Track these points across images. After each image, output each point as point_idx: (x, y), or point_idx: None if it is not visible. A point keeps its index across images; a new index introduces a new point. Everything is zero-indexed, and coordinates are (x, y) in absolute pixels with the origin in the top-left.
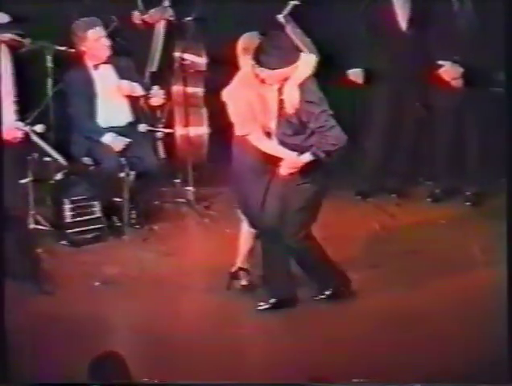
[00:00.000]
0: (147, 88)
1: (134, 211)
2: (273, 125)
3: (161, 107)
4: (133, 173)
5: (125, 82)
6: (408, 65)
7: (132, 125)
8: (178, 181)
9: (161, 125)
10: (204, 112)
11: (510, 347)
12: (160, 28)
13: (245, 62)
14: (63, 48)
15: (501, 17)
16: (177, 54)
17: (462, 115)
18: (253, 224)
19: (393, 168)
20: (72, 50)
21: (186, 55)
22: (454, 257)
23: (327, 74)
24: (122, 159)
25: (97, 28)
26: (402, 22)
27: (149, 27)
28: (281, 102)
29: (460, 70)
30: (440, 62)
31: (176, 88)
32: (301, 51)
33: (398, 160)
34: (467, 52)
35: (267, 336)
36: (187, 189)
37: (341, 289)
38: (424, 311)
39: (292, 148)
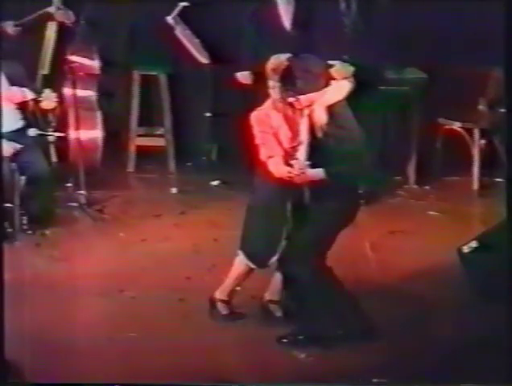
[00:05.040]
0: (38, 92)
1: (25, 217)
2: (300, 151)
3: (53, 110)
4: (23, 178)
5: (14, 88)
6: None
7: (22, 130)
8: (70, 185)
9: (52, 129)
10: (98, 115)
11: (510, 347)
12: (52, 30)
13: (273, 84)
14: None
15: (501, 17)
16: (69, 56)
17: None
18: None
19: None
20: None
21: (77, 58)
22: None
23: (218, 76)
24: (13, 164)
25: None
26: (287, 23)
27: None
28: (312, 127)
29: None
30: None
31: (69, 91)
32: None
33: None
34: (356, 51)
35: (164, 339)
36: (79, 193)
37: None
38: None
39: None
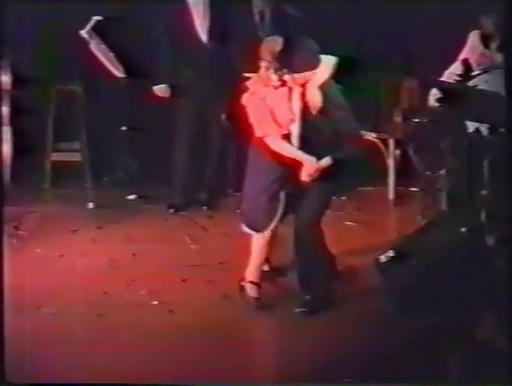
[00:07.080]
0: None
1: None
2: (295, 128)
3: None
4: None
5: None
6: (211, 77)
7: None
8: None
9: None
10: (8, 130)
11: (510, 347)
12: None
13: (268, 65)
14: None
15: (501, 17)
16: None
17: None
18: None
19: (202, 180)
20: None
21: None
22: None
23: (134, 89)
24: None
25: None
26: (203, 35)
27: None
28: (305, 105)
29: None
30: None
31: None
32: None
33: (206, 172)
34: None
35: (84, 354)
36: None
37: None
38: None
39: (313, 149)
